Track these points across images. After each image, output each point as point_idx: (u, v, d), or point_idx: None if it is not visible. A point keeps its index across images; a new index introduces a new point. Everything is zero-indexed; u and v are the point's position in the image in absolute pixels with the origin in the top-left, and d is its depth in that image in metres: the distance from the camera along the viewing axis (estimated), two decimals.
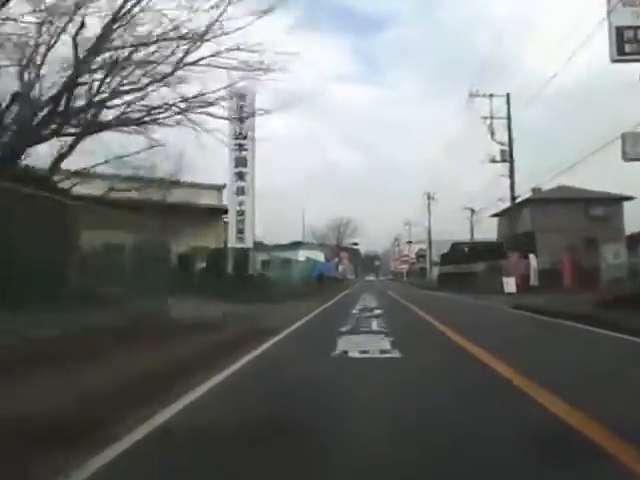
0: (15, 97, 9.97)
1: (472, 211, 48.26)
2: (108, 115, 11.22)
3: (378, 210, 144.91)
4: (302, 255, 36.27)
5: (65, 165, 11.44)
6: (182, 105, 11.21)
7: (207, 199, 23.77)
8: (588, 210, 34.63)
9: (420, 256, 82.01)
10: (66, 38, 9.98)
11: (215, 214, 24.41)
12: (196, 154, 19.03)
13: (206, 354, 6.39)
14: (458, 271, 39.07)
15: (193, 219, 19.76)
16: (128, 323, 7.31)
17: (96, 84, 10.61)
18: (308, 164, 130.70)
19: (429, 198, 60.10)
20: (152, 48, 10.50)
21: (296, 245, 48.19)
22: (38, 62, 10.21)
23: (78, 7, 9.59)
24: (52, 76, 10.34)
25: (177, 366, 5.42)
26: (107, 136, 11.86)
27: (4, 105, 9.94)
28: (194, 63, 10.91)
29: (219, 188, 24.48)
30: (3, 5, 8.77)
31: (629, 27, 17.31)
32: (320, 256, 55.09)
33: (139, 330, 7.13)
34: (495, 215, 42.30)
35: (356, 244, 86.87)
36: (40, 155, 11.02)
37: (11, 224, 6.54)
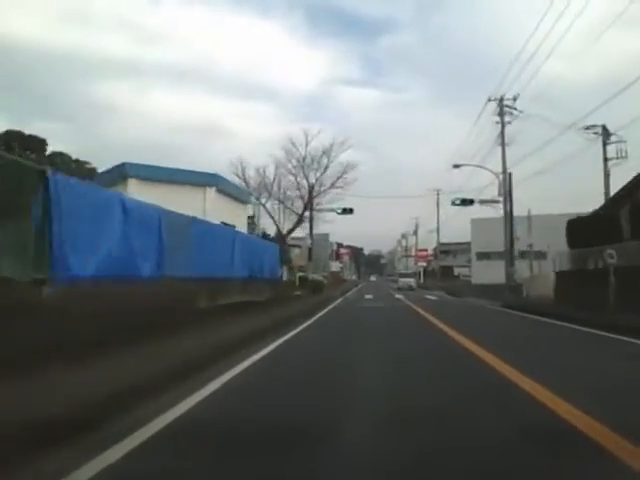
0: None
1: (604, 131, 22.95)
2: None
3: (382, 211, 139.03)
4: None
5: None
6: None
7: None
8: None
9: (443, 252, 68.49)
10: None
11: None
12: None
13: None
14: None
15: None
16: None
17: None
18: None
19: (501, 110, 26.76)
20: None
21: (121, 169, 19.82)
22: None
23: None
24: None
25: None
26: None
27: None
28: None
29: None
30: None
31: None
32: (237, 219, 24.25)
33: None
34: None
35: (350, 211, 35.63)
36: None
37: None
